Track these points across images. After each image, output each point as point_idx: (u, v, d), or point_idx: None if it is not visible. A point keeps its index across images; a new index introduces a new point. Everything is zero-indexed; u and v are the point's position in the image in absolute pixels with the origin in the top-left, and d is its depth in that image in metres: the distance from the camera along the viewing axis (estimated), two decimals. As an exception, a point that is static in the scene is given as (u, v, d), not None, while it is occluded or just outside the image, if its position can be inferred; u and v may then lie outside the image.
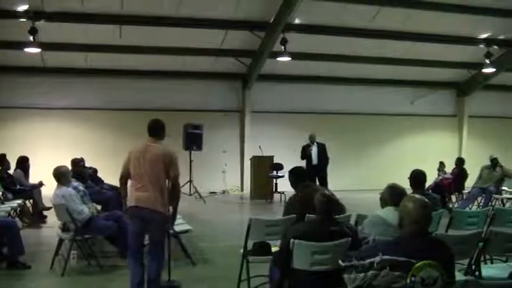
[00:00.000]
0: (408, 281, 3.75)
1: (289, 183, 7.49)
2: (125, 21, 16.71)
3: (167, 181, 6.68)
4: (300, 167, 7.97)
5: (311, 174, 13.30)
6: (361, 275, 4.01)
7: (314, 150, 16.64)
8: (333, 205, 5.52)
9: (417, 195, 4.36)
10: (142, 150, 6.65)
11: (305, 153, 16.68)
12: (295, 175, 7.40)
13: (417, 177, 7.52)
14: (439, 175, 17.26)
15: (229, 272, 7.42)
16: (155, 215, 6.55)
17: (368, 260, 3.98)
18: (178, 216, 10.01)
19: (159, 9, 16.40)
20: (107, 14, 16.37)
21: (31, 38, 15.63)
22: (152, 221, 6.58)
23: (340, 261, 4.39)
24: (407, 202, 4.20)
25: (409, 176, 7.59)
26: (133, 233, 6.74)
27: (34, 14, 15.64)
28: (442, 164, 17.69)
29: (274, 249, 6.55)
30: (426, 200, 4.23)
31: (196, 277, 8.13)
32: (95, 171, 14.25)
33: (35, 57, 17.58)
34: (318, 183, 15.30)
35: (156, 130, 6.78)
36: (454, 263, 4.22)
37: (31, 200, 13.27)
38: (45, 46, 16.70)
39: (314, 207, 5.48)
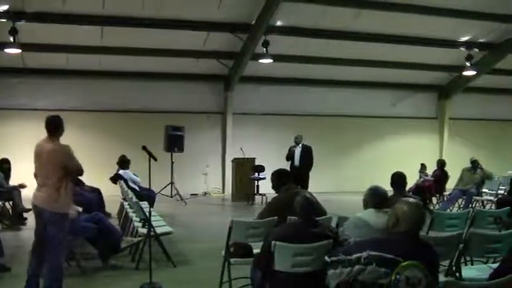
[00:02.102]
0: (393, 278, 3.76)
1: (271, 185, 7.51)
2: (106, 22, 16.62)
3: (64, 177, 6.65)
4: (282, 169, 7.98)
5: (294, 175, 13.27)
6: (347, 269, 4.03)
7: (297, 152, 16.55)
8: (314, 207, 5.54)
9: (411, 199, 4.40)
10: (38, 148, 6.71)
11: (289, 154, 16.61)
12: (277, 177, 7.41)
13: (398, 179, 7.56)
14: (420, 177, 17.33)
15: (210, 274, 7.39)
16: (47, 214, 6.57)
17: (355, 255, 4.00)
18: (159, 218, 10.08)
19: (141, 11, 16.28)
20: (88, 15, 16.27)
21: (11, 39, 15.52)
22: (45, 220, 6.61)
23: (326, 257, 4.40)
24: (402, 205, 4.22)
25: (390, 178, 7.62)
26: (35, 229, 6.89)
27: (14, 14, 15.52)
28: (423, 166, 17.75)
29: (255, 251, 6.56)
30: (420, 202, 4.28)
31: (178, 279, 8.12)
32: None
33: (15, 58, 17.44)
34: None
35: (50, 127, 6.73)
36: (439, 266, 4.27)
37: (11, 202, 13.17)
38: (26, 47, 16.56)
39: (295, 209, 5.50)
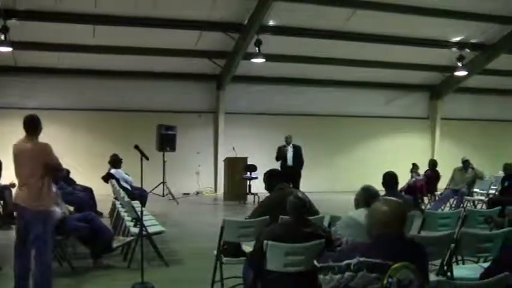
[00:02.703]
0: (385, 281, 3.75)
1: (263, 184, 7.51)
2: (98, 21, 16.57)
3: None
4: (274, 169, 7.99)
5: (287, 175, 13.28)
6: (338, 276, 4.01)
7: (290, 152, 16.61)
8: (306, 207, 5.54)
9: (388, 198, 4.37)
10: (18, 148, 6.75)
11: (280, 154, 16.65)
12: (270, 177, 7.42)
13: (389, 179, 7.59)
14: (412, 177, 17.34)
15: (202, 273, 7.39)
16: (29, 213, 6.57)
17: (345, 262, 3.98)
18: (151, 218, 10.07)
19: (133, 9, 16.25)
20: (80, 14, 16.21)
21: (2, 37, 15.42)
22: (30, 219, 6.59)
23: (315, 262, 4.38)
24: (380, 206, 4.15)
25: (382, 177, 7.64)
26: (16, 228, 6.95)
27: (5, 12, 15.43)
28: (415, 166, 17.76)
29: (247, 249, 6.57)
30: (399, 200, 4.26)
31: (170, 278, 8.11)
32: (67, 172, 14.12)
33: (6, 56, 17.33)
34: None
35: (28, 126, 6.74)
36: (428, 264, 4.27)
37: (1, 201, 13.10)
38: (17, 45, 16.46)
39: (287, 208, 5.50)
